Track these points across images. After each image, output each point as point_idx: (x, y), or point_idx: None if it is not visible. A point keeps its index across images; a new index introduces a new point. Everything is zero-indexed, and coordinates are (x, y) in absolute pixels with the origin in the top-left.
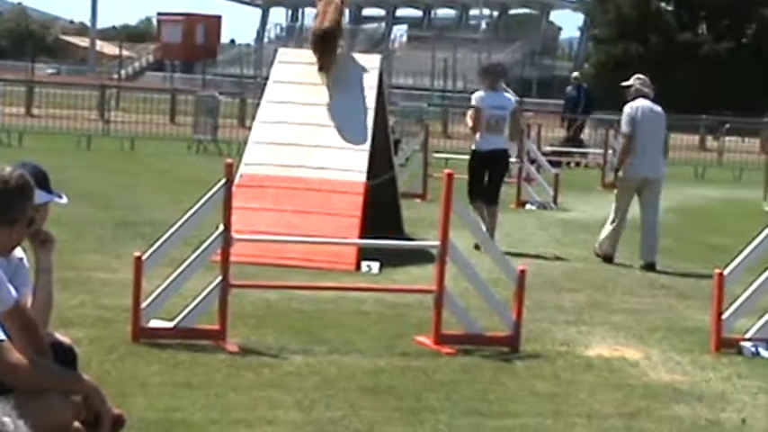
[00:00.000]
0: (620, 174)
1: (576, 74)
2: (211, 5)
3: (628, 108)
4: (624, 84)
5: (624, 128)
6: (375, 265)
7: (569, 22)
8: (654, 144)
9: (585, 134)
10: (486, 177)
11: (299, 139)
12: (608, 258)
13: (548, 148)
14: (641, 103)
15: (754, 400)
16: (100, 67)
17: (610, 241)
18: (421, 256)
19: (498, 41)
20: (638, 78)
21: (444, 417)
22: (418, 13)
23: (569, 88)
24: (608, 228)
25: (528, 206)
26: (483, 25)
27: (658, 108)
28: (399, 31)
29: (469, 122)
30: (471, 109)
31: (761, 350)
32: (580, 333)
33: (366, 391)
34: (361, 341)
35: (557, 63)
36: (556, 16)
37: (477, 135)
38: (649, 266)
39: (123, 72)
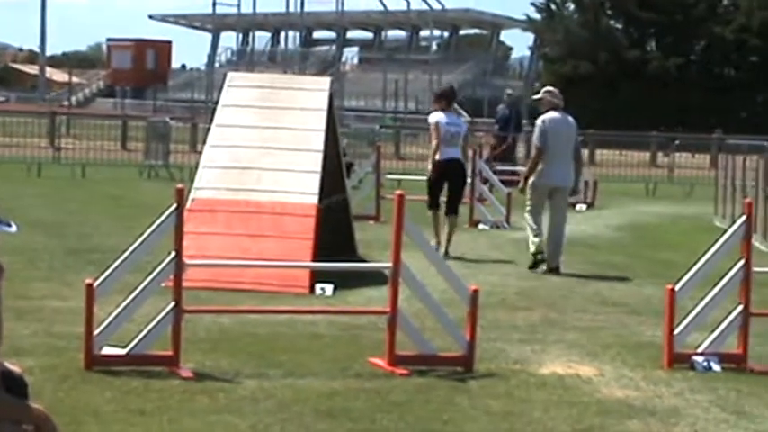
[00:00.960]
0: (531, 181)
1: (509, 91)
2: (162, 31)
3: (539, 121)
4: (535, 97)
5: (535, 140)
6: (329, 288)
7: (520, 42)
8: (564, 154)
9: (521, 152)
10: (446, 187)
11: (250, 163)
12: (552, 269)
13: (500, 168)
14: (552, 115)
15: (706, 415)
16: (50, 95)
17: (548, 250)
18: (374, 278)
19: (449, 62)
20: (548, 91)
21: None
22: (369, 35)
23: (501, 106)
24: (535, 241)
25: (481, 226)
26: (434, 46)
27: (569, 119)
28: (350, 54)
29: (434, 137)
30: (432, 126)
31: (713, 364)
32: (534, 351)
33: (321, 414)
34: (316, 364)
35: (508, 83)
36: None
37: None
38: (553, 270)
39: (74, 99)
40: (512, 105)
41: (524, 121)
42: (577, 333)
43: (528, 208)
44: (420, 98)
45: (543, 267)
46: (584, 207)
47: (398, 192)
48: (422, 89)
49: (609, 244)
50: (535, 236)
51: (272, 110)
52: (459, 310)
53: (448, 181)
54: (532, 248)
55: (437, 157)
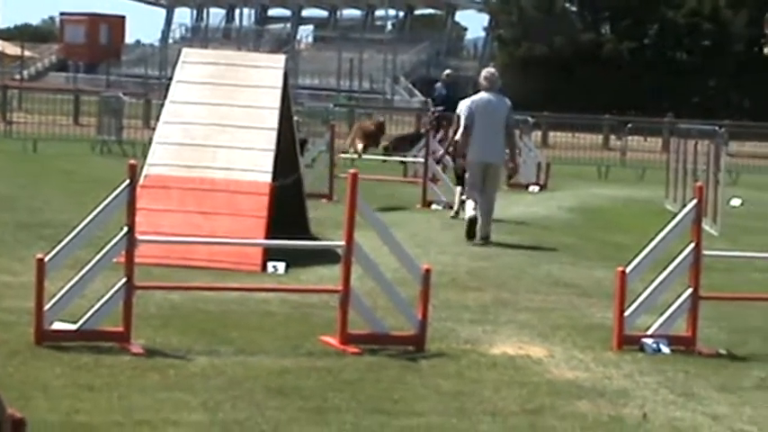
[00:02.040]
0: (467, 159)
1: (447, 71)
2: (115, 5)
3: (468, 101)
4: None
5: (462, 120)
6: (281, 266)
7: (475, 23)
8: (493, 132)
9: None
10: None
11: (204, 140)
12: (484, 238)
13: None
14: (479, 95)
15: (654, 396)
16: (1, 68)
17: (482, 222)
18: (327, 257)
19: (404, 42)
20: (482, 73)
21: (350, 416)
22: (324, 13)
23: (439, 85)
24: (472, 213)
25: (434, 206)
26: (389, 26)
27: (499, 98)
28: (305, 32)
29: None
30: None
31: (662, 346)
32: (485, 332)
33: (272, 392)
34: (267, 342)
35: (462, 63)
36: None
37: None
38: (484, 239)
39: (26, 73)
40: (450, 85)
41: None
42: (528, 314)
43: (467, 185)
44: (374, 77)
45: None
46: (536, 189)
47: (352, 170)
48: (376, 68)
49: (561, 226)
50: (473, 209)
51: (226, 87)
52: (412, 289)
53: None
54: (471, 214)
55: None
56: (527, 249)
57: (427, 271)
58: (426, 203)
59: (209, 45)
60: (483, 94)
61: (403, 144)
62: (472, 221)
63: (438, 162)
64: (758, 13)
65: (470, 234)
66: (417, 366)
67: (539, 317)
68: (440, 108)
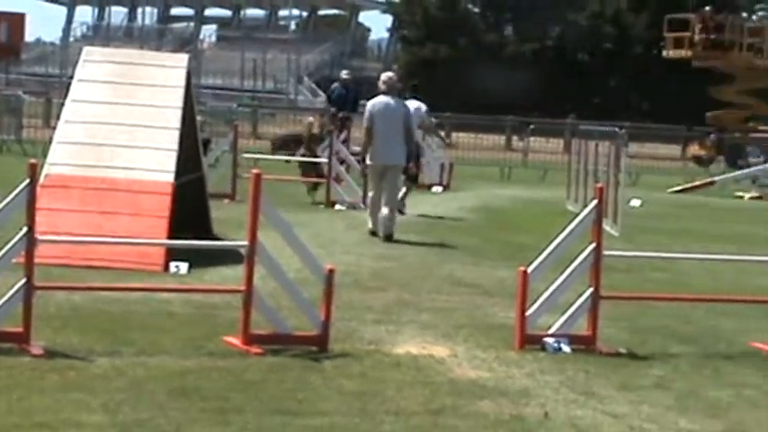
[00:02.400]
0: (367, 162)
1: (345, 72)
2: (15, 2)
3: (368, 104)
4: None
5: (364, 122)
6: (183, 266)
7: (378, 24)
8: (392, 135)
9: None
10: None
11: (106, 139)
12: (374, 233)
13: (356, 149)
14: (379, 99)
15: (556, 395)
16: None
17: (383, 221)
18: (230, 257)
19: (308, 42)
20: (381, 77)
21: (252, 416)
22: (227, 13)
23: (336, 85)
24: (371, 220)
25: (337, 206)
26: (292, 26)
27: (397, 101)
28: (208, 31)
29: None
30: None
31: (563, 346)
32: (388, 332)
33: (173, 393)
34: (169, 342)
35: (366, 64)
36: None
37: None
38: (387, 238)
39: None
40: (348, 86)
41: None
42: (431, 314)
43: (369, 188)
44: (278, 77)
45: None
46: (439, 189)
47: (255, 170)
48: (280, 68)
49: (463, 226)
50: (371, 214)
51: (128, 86)
52: (315, 289)
53: None
54: (369, 226)
55: None
56: (430, 250)
57: (330, 271)
58: (330, 203)
59: (110, 44)
60: (381, 98)
61: (287, 143)
62: (373, 233)
63: (342, 162)
64: (658, 17)
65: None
66: (320, 366)
67: (441, 317)
68: (332, 109)
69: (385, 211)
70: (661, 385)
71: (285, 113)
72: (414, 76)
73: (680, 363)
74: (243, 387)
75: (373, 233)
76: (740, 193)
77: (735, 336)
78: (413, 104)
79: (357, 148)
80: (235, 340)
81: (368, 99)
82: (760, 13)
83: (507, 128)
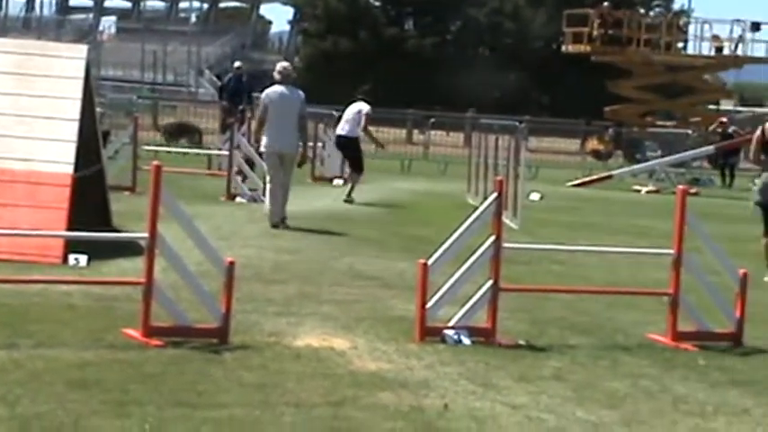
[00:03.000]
0: (262, 149)
1: (238, 64)
2: None
3: (263, 94)
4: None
5: (257, 111)
6: (83, 258)
7: (280, 16)
8: (285, 123)
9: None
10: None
11: (4, 131)
12: (276, 225)
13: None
14: (274, 88)
15: (455, 386)
16: None
17: (273, 209)
18: (130, 249)
19: (208, 34)
20: (276, 67)
21: (152, 409)
22: (127, 4)
23: (230, 76)
24: (270, 211)
25: (238, 199)
26: (193, 18)
27: (292, 91)
28: (108, 23)
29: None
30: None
31: (463, 338)
32: (289, 324)
33: (73, 385)
34: (68, 335)
35: (267, 57)
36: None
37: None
38: (282, 221)
39: None
40: (241, 77)
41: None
42: (332, 306)
43: (267, 177)
44: (178, 70)
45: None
46: (341, 182)
47: (155, 162)
48: (180, 61)
49: (364, 219)
50: (271, 204)
51: (26, 77)
52: (216, 282)
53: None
54: (269, 221)
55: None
56: (331, 243)
57: (231, 263)
58: (231, 196)
59: (8, 34)
60: (276, 87)
61: (175, 132)
62: (275, 226)
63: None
64: (556, 12)
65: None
66: (221, 359)
67: (342, 309)
68: (224, 103)
69: (281, 198)
70: (559, 376)
71: (186, 106)
72: (314, 69)
73: (578, 354)
74: (143, 379)
75: (275, 226)
76: (637, 187)
77: (632, 327)
78: (357, 106)
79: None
80: (135, 332)
81: (261, 91)
82: (657, 10)
83: (408, 121)
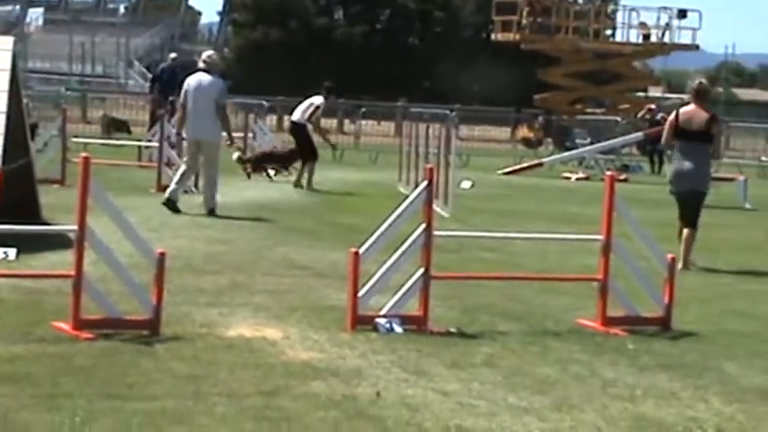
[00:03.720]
0: (183, 135)
1: (173, 54)
2: None
3: (185, 83)
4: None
5: (180, 99)
6: (11, 252)
7: (209, 7)
8: (202, 111)
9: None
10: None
11: None
12: (173, 205)
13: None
14: (194, 75)
15: (387, 375)
16: None
17: (206, 195)
18: (59, 242)
19: (137, 25)
20: (202, 55)
21: (82, 401)
22: None
23: (163, 66)
24: (177, 176)
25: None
26: (121, 9)
27: (211, 80)
28: (35, 15)
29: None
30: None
31: (395, 326)
32: (221, 314)
33: (2, 379)
34: None
35: (197, 48)
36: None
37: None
38: (210, 212)
39: None
40: (176, 68)
41: None
42: (264, 296)
43: (185, 159)
44: (107, 62)
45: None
46: (272, 172)
47: (84, 154)
48: (109, 52)
49: (296, 209)
50: (176, 183)
51: None
52: (147, 274)
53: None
54: (167, 194)
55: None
56: (263, 233)
57: (161, 255)
58: (161, 188)
59: None
60: (197, 75)
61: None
62: (168, 201)
63: (173, 147)
64: (486, 1)
65: (172, 208)
66: (152, 350)
67: (274, 299)
68: (152, 94)
69: (204, 187)
70: (490, 363)
71: (115, 98)
72: (245, 59)
73: (508, 340)
74: (73, 372)
75: (168, 201)
76: (567, 174)
77: (562, 313)
78: (311, 100)
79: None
80: (64, 325)
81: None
82: None
83: (339, 111)
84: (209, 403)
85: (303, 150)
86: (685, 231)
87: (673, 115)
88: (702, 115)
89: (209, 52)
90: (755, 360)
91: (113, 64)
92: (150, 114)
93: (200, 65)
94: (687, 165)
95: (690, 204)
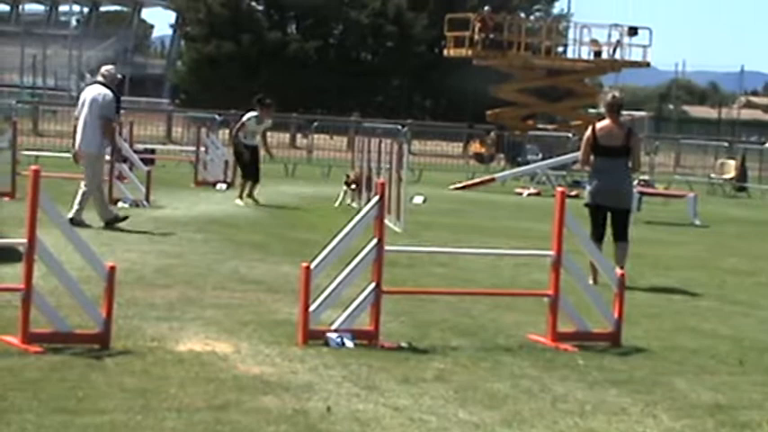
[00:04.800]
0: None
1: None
2: None
3: (81, 94)
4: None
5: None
6: None
7: (162, 20)
8: (87, 123)
9: (177, 132)
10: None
11: None
12: (112, 222)
13: (140, 146)
14: (89, 88)
15: (338, 389)
16: None
17: (99, 209)
18: (9, 255)
19: (90, 38)
20: (101, 69)
21: (31, 416)
22: (5, 7)
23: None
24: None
25: (120, 204)
26: (73, 21)
27: (98, 92)
28: None
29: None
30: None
31: (346, 341)
32: (171, 329)
33: None
34: None
35: (149, 61)
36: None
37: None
38: (107, 224)
39: None
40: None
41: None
42: (215, 310)
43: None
44: (59, 74)
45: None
46: (224, 186)
47: (34, 167)
48: (61, 65)
49: (248, 223)
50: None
51: None
52: (97, 287)
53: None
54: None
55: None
56: (214, 247)
57: (112, 268)
58: (113, 201)
59: None
60: (93, 87)
61: None
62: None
63: (124, 161)
64: (438, 16)
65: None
66: (102, 364)
67: (225, 313)
68: None
69: (92, 201)
70: (441, 378)
71: (67, 110)
72: (197, 73)
73: (460, 356)
74: (22, 386)
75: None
76: (519, 190)
77: (513, 329)
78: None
79: (140, 146)
80: (13, 339)
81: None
82: (537, 14)
83: (291, 125)
84: (159, 417)
85: (248, 167)
86: (618, 245)
87: (589, 132)
88: (620, 130)
89: (109, 66)
90: (704, 376)
91: (65, 76)
92: None
93: (99, 78)
94: (611, 182)
95: (618, 220)
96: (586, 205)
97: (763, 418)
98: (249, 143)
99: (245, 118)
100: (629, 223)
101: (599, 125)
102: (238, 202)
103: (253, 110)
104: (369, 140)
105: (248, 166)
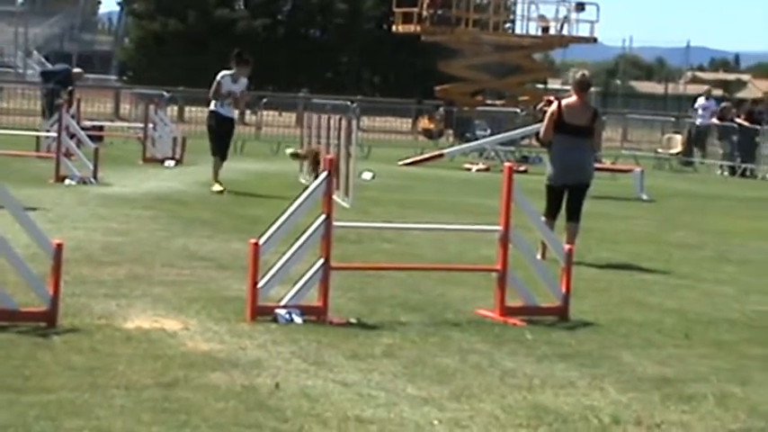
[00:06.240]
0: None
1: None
2: None
3: None
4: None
5: None
6: None
7: None
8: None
9: (125, 109)
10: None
11: None
12: None
13: (87, 123)
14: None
15: (287, 365)
16: None
17: None
18: None
19: (36, 15)
20: None
21: None
22: None
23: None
24: None
25: (67, 181)
26: None
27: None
28: None
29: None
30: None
31: (294, 317)
32: (119, 306)
33: None
34: None
35: (96, 38)
36: None
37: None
38: None
39: None
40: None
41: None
42: (164, 288)
43: None
44: (6, 50)
45: None
46: (172, 163)
47: None
48: (7, 41)
49: (197, 200)
50: None
51: None
52: (44, 265)
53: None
54: None
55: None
56: (163, 224)
57: (59, 246)
58: (60, 178)
59: None
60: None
61: None
62: None
63: (72, 137)
64: None
65: None
66: (49, 343)
67: (174, 290)
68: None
69: None
70: (390, 353)
71: (13, 87)
72: (144, 50)
73: (408, 331)
74: None
75: None
76: (468, 166)
77: (462, 304)
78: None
79: (87, 123)
80: None
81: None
82: None
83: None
84: (108, 395)
85: (216, 142)
86: (570, 225)
87: (554, 107)
88: (587, 109)
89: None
90: (651, 349)
91: (11, 53)
92: (45, 105)
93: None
94: (575, 157)
95: (576, 197)
96: (548, 186)
97: (709, 391)
98: (225, 114)
99: (219, 76)
100: (583, 201)
101: (565, 102)
102: (216, 188)
103: (228, 68)
104: (318, 116)
105: (217, 141)
